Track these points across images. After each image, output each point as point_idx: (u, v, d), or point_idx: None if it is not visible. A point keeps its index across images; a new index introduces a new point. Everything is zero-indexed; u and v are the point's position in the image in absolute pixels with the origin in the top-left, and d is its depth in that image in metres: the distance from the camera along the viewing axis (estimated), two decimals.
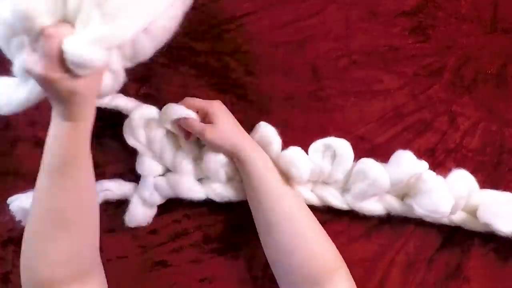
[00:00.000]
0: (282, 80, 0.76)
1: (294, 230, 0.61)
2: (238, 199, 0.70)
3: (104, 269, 0.69)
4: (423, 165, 0.66)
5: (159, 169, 0.70)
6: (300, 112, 0.75)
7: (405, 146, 0.72)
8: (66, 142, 0.54)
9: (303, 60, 0.76)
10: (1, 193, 0.74)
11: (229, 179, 0.70)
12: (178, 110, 0.67)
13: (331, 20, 0.77)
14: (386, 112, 0.74)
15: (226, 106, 0.74)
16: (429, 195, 0.65)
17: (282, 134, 0.74)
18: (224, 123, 0.66)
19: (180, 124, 0.67)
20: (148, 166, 0.70)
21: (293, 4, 0.78)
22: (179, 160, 0.70)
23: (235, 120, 0.68)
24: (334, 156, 0.69)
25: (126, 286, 0.71)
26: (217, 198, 0.69)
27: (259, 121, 0.74)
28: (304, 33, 0.77)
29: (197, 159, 0.71)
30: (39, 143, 0.75)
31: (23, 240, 0.56)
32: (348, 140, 0.73)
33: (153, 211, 0.70)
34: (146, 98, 0.77)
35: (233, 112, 0.74)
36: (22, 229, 0.71)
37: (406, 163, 0.67)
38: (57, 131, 0.54)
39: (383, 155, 0.72)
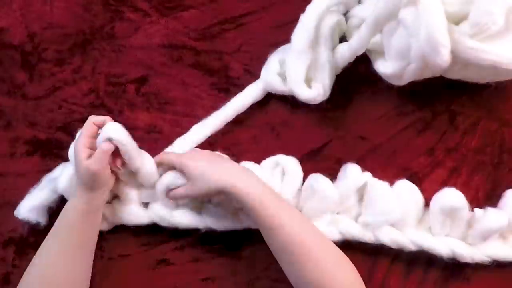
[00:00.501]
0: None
1: (305, 257, 0.58)
2: (185, 226, 0.70)
3: (107, 268, 0.69)
4: (367, 175, 0.68)
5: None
6: (301, 111, 0.75)
7: (405, 146, 0.73)
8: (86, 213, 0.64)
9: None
10: (1, 193, 0.74)
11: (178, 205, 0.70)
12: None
13: None
14: (386, 111, 0.74)
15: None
16: (375, 202, 0.66)
17: (282, 133, 0.74)
18: (198, 174, 0.63)
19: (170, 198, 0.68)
20: None
21: (293, 4, 0.78)
22: (122, 189, 0.70)
23: (208, 157, 0.66)
24: (283, 174, 0.70)
25: (129, 284, 0.70)
26: (162, 223, 0.70)
27: (260, 121, 0.74)
28: None
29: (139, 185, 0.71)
30: (39, 144, 0.75)
31: None
32: (348, 140, 0.74)
33: None
34: (146, 98, 0.77)
35: None
36: (22, 229, 0.71)
37: (351, 175, 0.68)
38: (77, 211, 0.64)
39: (383, 155, 0.73)
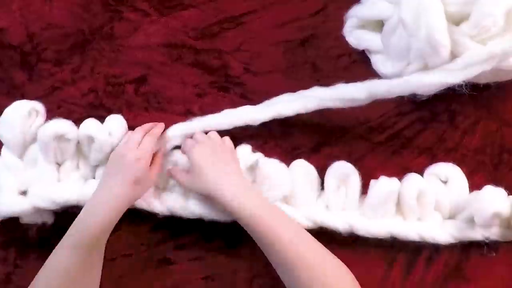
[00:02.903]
0: (282, 79, 0.76)
1: (302, 270, 0.57)
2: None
3: (110, 268, 0.69)
4: (258, 154, 0.70)
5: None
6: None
7: (405, 146, 0.72)
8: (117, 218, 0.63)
9: (304, 59, 0.76)
10: None
11: None
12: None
13: (332, 19, 0.77)
14: (386, 111, 0.74)
15: (226, 105, 0.74)
16: (267, 177, 0.67)
17: (281, 132, 0.74)
18: (201, 173, 0.64)
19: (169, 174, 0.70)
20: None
21: (293, 3, 0.78)
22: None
23: (212, 158, 0.66)
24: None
25: (130, 284, 0.71)
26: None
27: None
28: (304, 32, 0.77)
29: None
30: None
31: None
32: (348, 139, 0.74)
33: None
34: (145, 98, 0.77)
35: None
36: (23, 230, 0.71)
37: (242, 155, 0.70)
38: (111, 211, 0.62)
39: (383, 155, 0.73)
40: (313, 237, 0.61)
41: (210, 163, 0.65)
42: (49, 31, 0.80)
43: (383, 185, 0.66)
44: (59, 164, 0.70)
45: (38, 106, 0.70)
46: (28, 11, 0.81)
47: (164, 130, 0.71)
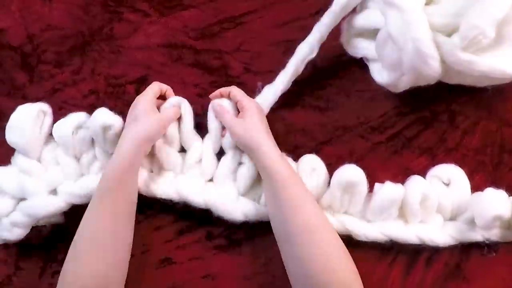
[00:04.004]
0: None
1: (314, 242, 0.59)
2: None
3: None
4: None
5: (9, 206, 0.69)
6: (300, 111, 0.75)
7: (405, 146, 0.73)
8: (135, 160, 0.64)
9: None
10: None
11: None
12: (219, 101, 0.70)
13: None
14: (386, 111, 0.74)
15: None
16: None
17: (282, 132, 0.74)
18: (254, 121, 0.65)
19: (216, 111, 0.69)
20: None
21: (294, 3, 0.78)
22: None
23: (267, 124, 0.67)
24: None
25: (132, 283, 0.71)
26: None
27: None
28: (304, 32, 0.77)
29: None
30: None
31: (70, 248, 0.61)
32: (348, 139, 0.74)
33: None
34: None
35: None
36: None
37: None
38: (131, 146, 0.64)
39: (383, 155, 0.73)
40: (329, 221, 0.64)
41: (260, 119, 0.66)
42: (49, 32, 0.80)
43: (388, 191, 0.65)
44: (77, 158, 0.71)
45: (44, 107, 0.70)
46: (28, 12, 0.81)
47: None
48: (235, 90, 0.69)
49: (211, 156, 0.71)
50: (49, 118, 0.71)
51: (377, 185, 0.67)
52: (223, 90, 0.70)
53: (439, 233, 0.66)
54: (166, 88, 0.71)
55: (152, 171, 0.71)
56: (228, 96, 0.70)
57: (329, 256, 0.58)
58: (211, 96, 0.72)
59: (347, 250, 0.60)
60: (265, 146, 0.64)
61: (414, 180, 0.67)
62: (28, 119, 0.68)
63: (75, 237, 0.61)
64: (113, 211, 0.62)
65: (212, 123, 0.70)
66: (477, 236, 0.65)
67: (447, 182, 0.68)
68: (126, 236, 0.64)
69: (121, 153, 0.63)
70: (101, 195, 0.62)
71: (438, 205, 0.67)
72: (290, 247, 0.61)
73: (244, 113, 0.66)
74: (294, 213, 0.60)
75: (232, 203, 0.68)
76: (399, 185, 0.66)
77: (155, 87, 0.69)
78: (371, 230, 0.66)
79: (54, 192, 0.69)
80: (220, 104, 0.69)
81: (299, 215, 0.60)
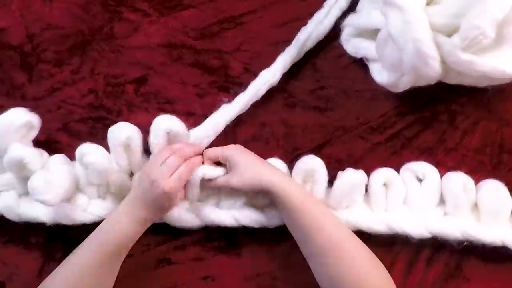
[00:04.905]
0: (282, 79, 0.76)
1: (342, 258, 0.59)
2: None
3: None
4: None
5: None
6: (300, 111, 0.75)
7: (405, 146, 0.73)
8: (137, 232, 0.64)
9: (303, 59, 0.76)
10: None
11: None
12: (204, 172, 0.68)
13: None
14: (386, 111, 0.74)
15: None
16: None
17: (281, 133, 0.74)
18: (245, 166, 0.65)
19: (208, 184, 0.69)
20: None
21: (293, 3, 0.78)
22: None
23: (255, 156, 0.67)
24: None
25: (132, 284, 0.71)
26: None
27: (259, 120, 0.74)
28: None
29: None
30: (39, 145, 0.75)
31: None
32: (347, 140, 0.74)
33: None
34: (145, 98, 0.77)
35: None
36: (24, 230, 0.71)
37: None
38: (134, 225, 0.63)
39: (383, 155, 0.73)
40: (350, 231, 0.63)
41: (256, 159, 0.66)
42: (49, 31, 0.80)
43: (348, 176, 0.67)
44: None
45: (34, 120, 0.69)
46: (28, 12, 0.80)
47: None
48: (208, 153, 0.69)
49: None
50: (34, 132, 0.70)
51: (340, 173, 0.68)
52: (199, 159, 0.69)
53: (409, 222, 0.67)
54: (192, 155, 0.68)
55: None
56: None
57: (358, 268, 0.59)
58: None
59: (374, 256, 0.61)
60: (270, 183, 0.63)
61: (381, 169, 0.69)
62: (11, 126, 0.67)
63: (51, 275, 0.61)
64: (103, 273, 0.62)
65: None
66: (455, 231, 0.66)
67: (421, 177, 0.69)
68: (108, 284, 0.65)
69: (135, 231, 0.64)
70: (98, 254, 0.62)
71: (406, 197, 0.68)
72: (319, 267, 0.62)
73: (231, 165, 0.66)
74: (316, 235, 0.61)
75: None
76: (360, 171, 0.67)
77: (183, 177, 0.65)
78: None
79: None
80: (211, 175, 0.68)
81: (322, 236, 0.61)
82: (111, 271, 0.64)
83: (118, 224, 0.63)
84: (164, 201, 0.64)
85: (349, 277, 0.58)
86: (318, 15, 0.74)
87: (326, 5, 0.74)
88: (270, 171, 0.65)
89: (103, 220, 0.66)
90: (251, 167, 0.65)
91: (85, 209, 0.69)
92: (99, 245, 0.62)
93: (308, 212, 0.62)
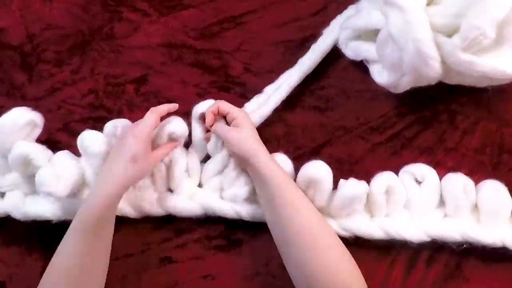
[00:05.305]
0: None
1: (313, 244, 0.59)
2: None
3: (112, 268, 0.69)
4: None
5: None
6: (301, 111, 0.75)
7: (405, 146, 0.73)
8: (117, 199, 0.63)
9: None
10: None
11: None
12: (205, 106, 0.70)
13: (332, 19, 0.76)
14: (386, 111, 0.74)
15: None
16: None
17: (282, 132, 0.74)
18: (247, 130, 0.66)
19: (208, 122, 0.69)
20: None
21: (293, 3, 0.78)
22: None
23: (256, 131, 0.68)
24: None
25: (133, 283, 0.71)
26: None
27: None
28: (304, 32, 0.77)
29: None
30: None
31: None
32: (347, 140, 0.74)
33: None
34: (145, 98, 0.77)
35: None
36: (24, 230, 0.72)
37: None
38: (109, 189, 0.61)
39: (383, 155, 0.73)
40: (324, 218, 0.64)
41: (253, 128, 0.68)
42: (49, 31, 0.80)
43: (350, 187, 0.66)
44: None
45: (37, 118, 0.69)
46: (28, 12, 0.80)
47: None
48: (222, 104, 0.69)
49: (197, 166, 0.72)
50: (37, 130, 0.70)
51: (341, 182, 0.68)
52: (212, 108, 0.69)
53: (408, 228, 0.67)
54: (165, 109, 0.68)
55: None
56: (217, 111, 0.69)
57: (329, 258, 0.59)
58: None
59: (347, 251, 0.61)
60: (260, 153, 0.64)
61: (382, 174, 0.68)
62: (15, 125, 0.67)
63: (47, 270, 0.60)
64: (89, 250, 0.61)
65: (197, 134, 0.71)
66: (455, 234, 0.66)
67: (420, 179, 0.69)
68: (99, 275, 0.64)
69: (106, 194, 0.61)
70: (78, 233, 0.60)
71: (406, 200, 0.68)
72: (290, 250, 0.61)
73: (236, 123, 0.67)
74: (291, 217, 0.61)
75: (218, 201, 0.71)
76: (362, 182, 0.67)
77: (151, 121, 0.64)
78: (335, 226, 0.68)
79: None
80: (212, 112, 0.69)
81: (296, 219, 0.61)
82: (100, 247, 0.63)
83: (95, 198, 0.61)
84: (129, 147, 0.62)
85: (318, 266, 0.58)
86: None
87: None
88: (261, 146, 0.66)
89: None
90: (249, 135, 0.66)
91: None
92: (79, 229, 0.60)
93: (286, 193, 0.62)
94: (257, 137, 0.67)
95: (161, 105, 0.67)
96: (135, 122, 0.66)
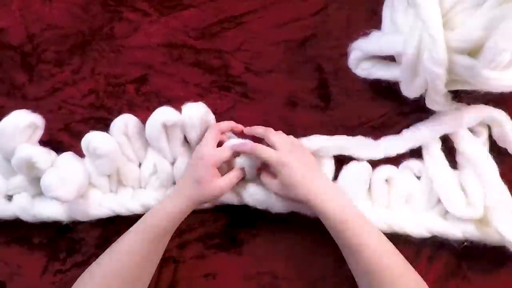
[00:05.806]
0: (283, 78, 0.76)
1: (386, 279, 0.57)
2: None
3: None
4: None
5: None
6: (302, 110, 0.75)
7: None
8: (180, 216, 0.65)
9: (304, 59, 0.76)
10: None
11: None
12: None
13: (332, 19, 0.77)
14: (386, 111, 0.74)
15: (228, 104, 0.74)
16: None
17: (283, 131, 0.74)
18: (287, 177, 0.63)
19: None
20: None
21: (294, 3, 0.78)
22: None
23: (309, 162, 0.66)
24: None
25: None
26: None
27: (260, 119, 0.74)
28: (305, 31, 0.77)
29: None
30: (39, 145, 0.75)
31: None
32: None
33: None
34: (146, 98, 0.77)
35: (234, 110, 0.74)
36: (25, 229, 0.72)
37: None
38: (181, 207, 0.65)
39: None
40: (395, 248, 0.61)
41: (304, 171, 0.64)
42: (49, 31, 0.80)
43: (353, 167, 0.69)
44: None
45: (38, 121, 0.69)
46: (28, 12, 0.80)
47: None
48: (258, 150, 0.66)
49: None
50: (39, 132, 0.70)
51: (344, 166, 0.70)
52: (259, 131, 0.70)
53: (410, 222, 0.67)
54: (227, 127, 0.71)
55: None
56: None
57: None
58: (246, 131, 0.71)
59: (422, 280, 0.60)
60: (310, 201, 0.62)
61: (384, 165, 0.70)
62: (16, 128, 0.67)
63: (93, 264, 0.62)
64: (147, 254, 0.63)
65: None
66: (456, 231, 0.66)
67: (418, 175, 0.70)
68: (145, 281, 0.65)
69: (178, 209, 0.64)
70: (143, 236, 0.63)
71: (407, 195, 0.69)
72: (364, 285, 0.60)
73: (274, 171, 0.65)
74: (353, 258, 0.60)
75: None
76: (364, 162, 0.69)
77: (214, 135, 0.68)
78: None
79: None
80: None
81: (362, 258, 0.59)
82: (154, 256, 0.65)
83: (160, 209, 0.65)
84: (194, 169, 0.66)
85: None
86: None
87: None
88: (314, 185, 0.63)
89: (117, 214, 0.70)
90: (290, 180, 0.64)
91: (101, 203, 0.70)
92: (141, 232, 0.63)
93: (349, 230, 0.60)
94: (300, 177, 0.63)
95: (223, 122, 0.71)
96: (205, 137, 0.69)
